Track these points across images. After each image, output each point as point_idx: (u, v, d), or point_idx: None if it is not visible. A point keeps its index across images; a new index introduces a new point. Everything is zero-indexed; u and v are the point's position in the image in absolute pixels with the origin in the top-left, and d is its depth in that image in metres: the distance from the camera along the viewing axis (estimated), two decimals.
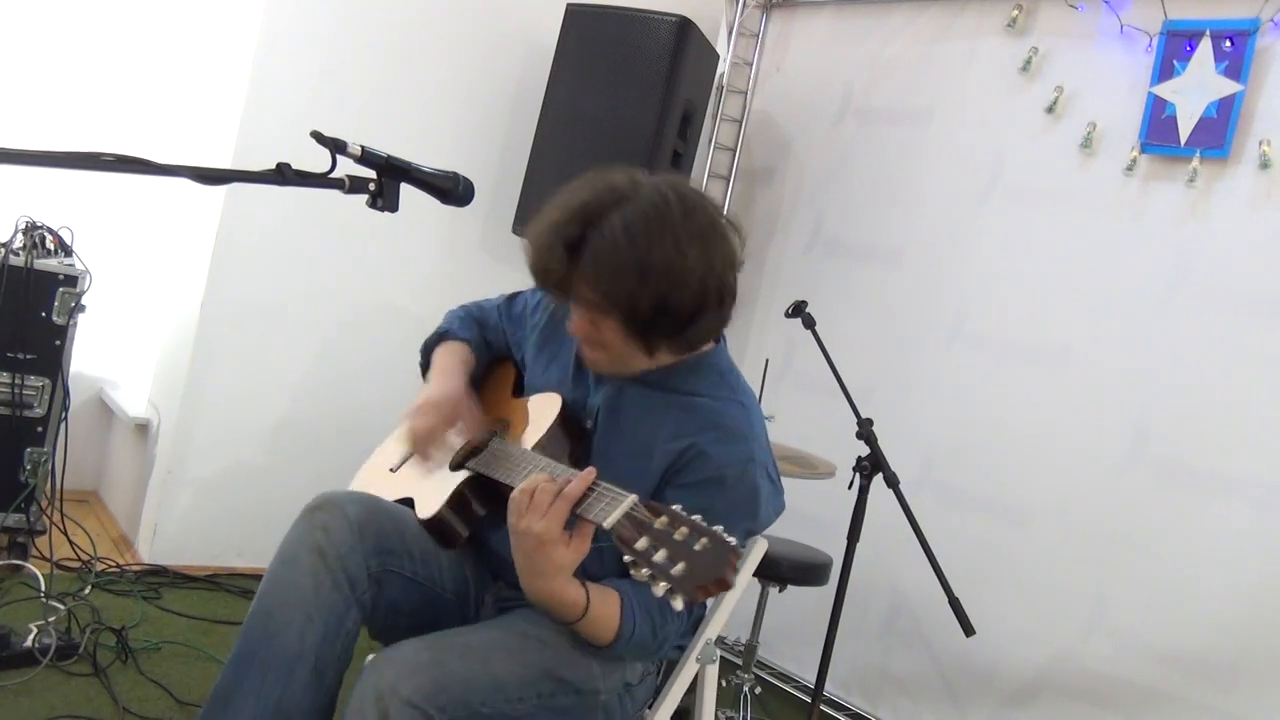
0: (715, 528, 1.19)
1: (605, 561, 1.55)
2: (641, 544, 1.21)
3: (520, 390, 1.84)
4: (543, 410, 1.68)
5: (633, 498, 1.28)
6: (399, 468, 1.84)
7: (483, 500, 1.63)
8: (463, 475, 1.64)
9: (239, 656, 1.51)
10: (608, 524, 1.27)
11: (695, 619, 1.72)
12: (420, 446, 1.69)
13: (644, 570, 1.20)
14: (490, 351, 1.91)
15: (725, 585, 1.15)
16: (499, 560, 1.69)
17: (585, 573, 1.49)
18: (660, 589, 1.17)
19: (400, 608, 1.62)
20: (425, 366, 1.90)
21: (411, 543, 1.63)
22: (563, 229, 1.48)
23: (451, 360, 1.81)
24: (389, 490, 1.78)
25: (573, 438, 1.64)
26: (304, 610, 1.49)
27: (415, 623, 1.64)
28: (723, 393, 1.61)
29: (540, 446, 1.60)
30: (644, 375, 1.61)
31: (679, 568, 1.17)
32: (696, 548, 1.17)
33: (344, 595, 1.52)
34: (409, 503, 1.71)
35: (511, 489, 1.43)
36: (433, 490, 1.67)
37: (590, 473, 1.37)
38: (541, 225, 1.51)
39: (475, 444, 1.73)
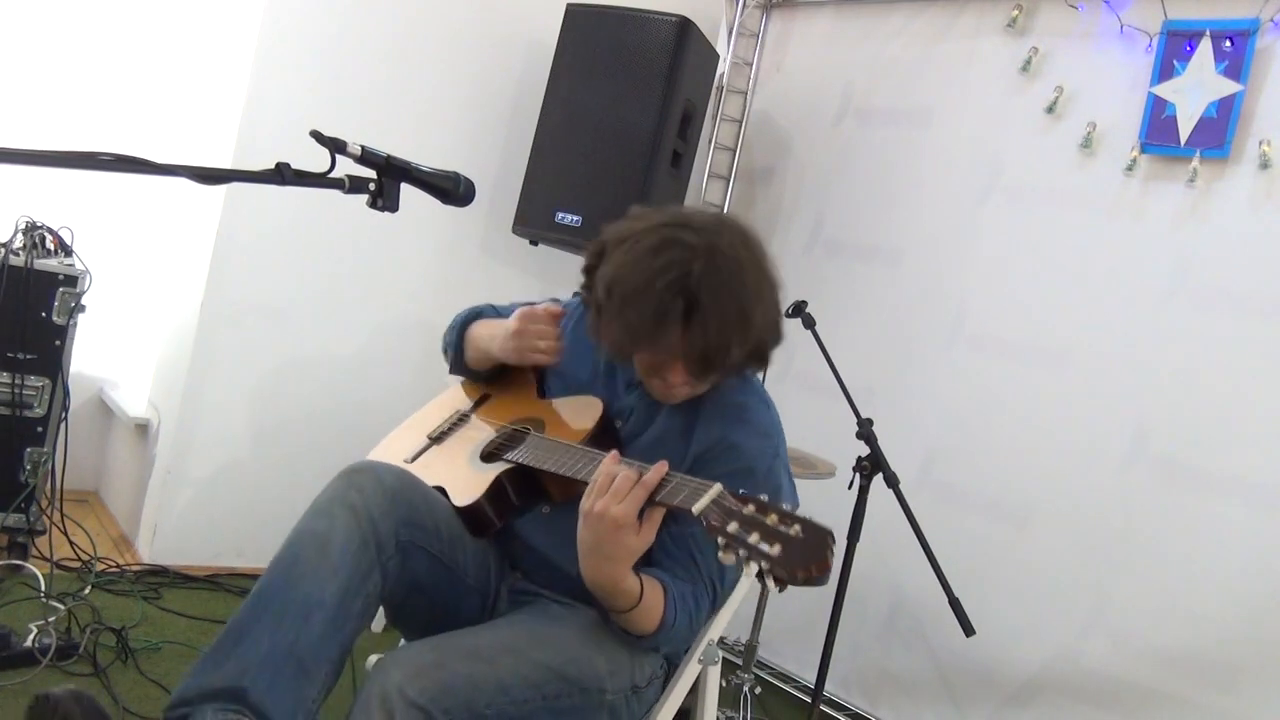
0: (806, 514, 1.23)
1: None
2: (733, 528, 1.25)
3: (543, 393, 1.86)
4: (584, 411, 1.72)
5: (718, 486, 1.32)
6: (415, 458, 1.84)
7: (520, 491, 1.67)
8: (502, 466, 1.67)
9: (259, 595, 1.50)
10: (696, 509, 1.30)
11: None
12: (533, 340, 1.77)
13: (739, 552, 1.23)
14: None
15: (825, 567, 1.18)
16: (524, 549, 1.72)
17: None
18: (754, 569, 1.21)
19: (422, 584, 1.62)
20: (456, 347, 1.93)
21: (441, 523, 1.64)
22: (666, 302, 1.48)
23: (496, 321, 1.86)
24: (432, 474, 1.79)
25: (613, 441, 1.67)
26: (330, 561, 1.49)
27: (432, 604, 1.65)
28: (750, 390, 1.69)
29: (590, 442, 1.64)
30: None
31: (775, 549, 1.20)
32: (790, 532, 1.21)
33: (370, 556, 1.52)
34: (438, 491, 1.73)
35: (567, 479, 1.49)
36: (467, 479, 1.70)
37: (663, 465, 1.42)
38: (633, 293, 1.51)
39: (506, 437, 1.76)
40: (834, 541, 1.20)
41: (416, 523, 1.60)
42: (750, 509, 1.26)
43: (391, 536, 1.55)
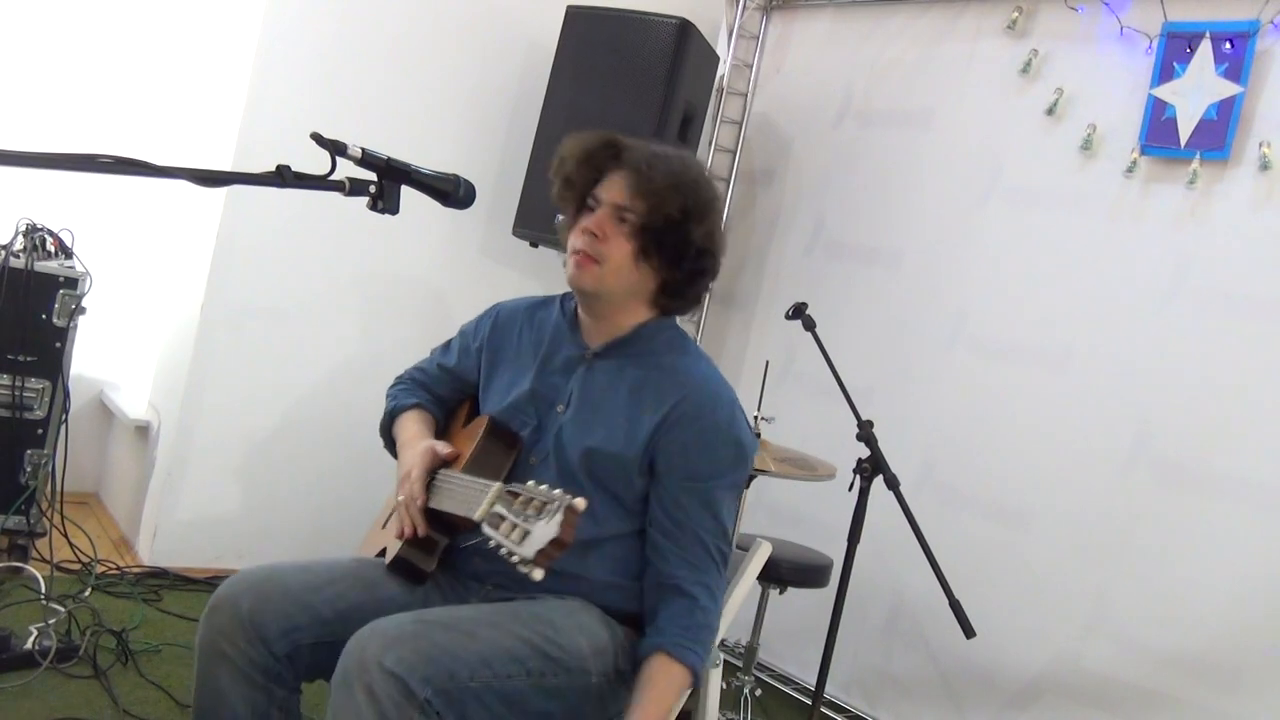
0: (554, 491, 1.33)
1: (625, 514, 1.69)
2: (505, 528, 1.36)
3: (475, 412, 1.88)
4: (474, 432, 1.75)
5: (497, 486, 1.44)
6: (387, 523, 1.88)
7: (442, 531, 1.67)
8: None
9: None
10: (477, 516, 1.42)
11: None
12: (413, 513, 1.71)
13: (513, 558, 1.33)
14: (444, 406, 1.95)
15: (562, 545, 1.30)
16: (477, 571, 1.71)
17: (596, 523, 1.62)
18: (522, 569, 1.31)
19: (326, 669, 1.55)
20: (390, 447, 1.92)
21: (324, 606, 1.61)
22: (608, 139, 1.68)
23: (410, 430, 1.85)
24: (380, 546, 1.82)
25: (502, 449, 1.71)
26: (232, 712, 1.56)
27: None
28: (695, 357, 1.76)
29: (470, 466, 1.66)
30: (613, 347, 1.73)
31: (525, 543, 1.31)
32: (538, 517, 1.31)
33: (259, 686, 1.57)
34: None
35: (463, 519, 1.50)
36: (393, 533, 1.73)
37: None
38: (581, 137, 1.72)
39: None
40: (575, 514, 1.30)
41: (292, 627, 1.58)
42: (520, 501, 1.36)
43: (268, 657, 1.56)
